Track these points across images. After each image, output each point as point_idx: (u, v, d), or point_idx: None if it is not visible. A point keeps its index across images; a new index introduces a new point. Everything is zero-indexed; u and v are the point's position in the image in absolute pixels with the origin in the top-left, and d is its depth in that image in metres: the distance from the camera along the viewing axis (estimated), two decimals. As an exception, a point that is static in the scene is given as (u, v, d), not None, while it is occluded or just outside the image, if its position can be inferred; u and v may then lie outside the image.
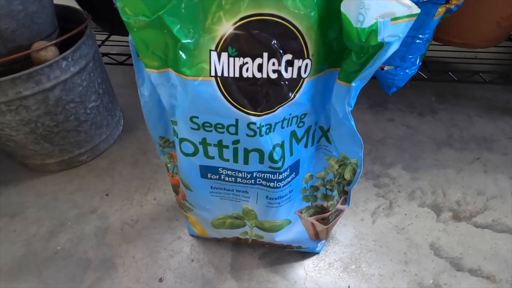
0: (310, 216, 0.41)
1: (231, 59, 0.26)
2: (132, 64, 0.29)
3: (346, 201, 0.41)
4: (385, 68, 0.58)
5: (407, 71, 0.57)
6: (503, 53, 0.76)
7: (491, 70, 0.69)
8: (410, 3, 0.23)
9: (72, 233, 0.50)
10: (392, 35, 0.23)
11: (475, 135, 0.66)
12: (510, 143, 0.64)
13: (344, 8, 0.24)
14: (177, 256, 0.47)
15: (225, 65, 0.26)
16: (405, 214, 0.52)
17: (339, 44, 0.28)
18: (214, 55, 0.26)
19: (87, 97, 0.52)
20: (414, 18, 0.23)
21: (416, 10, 0.23)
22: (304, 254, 0.47)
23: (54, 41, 0.44)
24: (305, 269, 0.45)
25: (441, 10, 0.48)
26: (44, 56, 0.42)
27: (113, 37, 0.77)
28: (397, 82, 0.58)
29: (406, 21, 0.23)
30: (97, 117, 0.56)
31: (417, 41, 0.52)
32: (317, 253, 0.47)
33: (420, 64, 0.58)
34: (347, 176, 0.37)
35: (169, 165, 0.41)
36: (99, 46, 0.69)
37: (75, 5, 0.66)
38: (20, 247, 0.48)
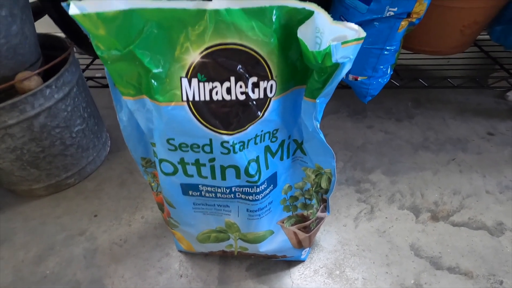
0: (292, 225, 0.43)
1: (201, 84, 0.28)
2: None
3: (326, 209, 0.43)
4: (358, 79, 0.61)
5: (379, 80, 0.60)
6: (471, 58, 0.80)
7: (460, 75, 0.73)
8: (357, 27, 0.26)
9: (61, 256, 0.50)
10: (344, 57, 0.26)
11: (450, 137, 0.69)
12: (483, 143, 0.67)
13: (300, 34, 0.27)
14: (165, 273, 0.47)
15: (195, 90, 0.28)
16: (386, 218, 0.54)
17: (302, 64, 0.30)
18: (184, 81, 0.28)
19: (72, 121, 0.53)
20: (361, 41, 0.26)
21: (363, 33, 0.26)
22: (290, 262, 0.48)
23: (37, 71, 0.45)
24: (291, 277, 0.47)
25: (404, 23, 0.52)
26: (27, 86, 0.44)
27: (97, 61, 0.79)
28: (371, 91, 0.62)
29: (355, 44, 0.26)
30: (83, 140, 0.57)
31: (385, 52, 0.56)
32: (303, 261, 0.48)
33: (392, 72, 0.61)
34: (324, 185, 0.39)
35: (153, 184, 0.42)
36: (84, 70, 0.71)
37: (59, 31, 0.68)
38: (7, 274, 0.48)
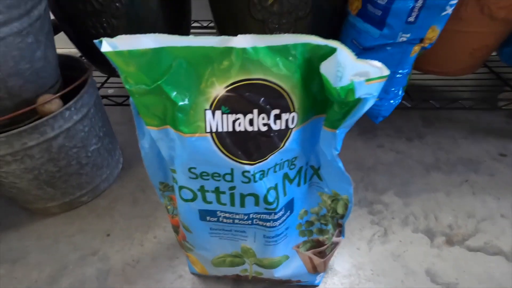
0: (307, 250, 0.43)
1: (224, 116, 0.29)
2: (129, 104, 0.31)
3: (341, 233, 0.43)
4: (370, 100, 0.61)
5: (391, 101, 0.61)
6: (481, 80, 0.81)
7: (470, 97, 0.73)
8: (380, 65, 0.27)
9: (74, 276, 0.50)
10: (367, 93, 0.26)
11: (461, 157, 0.69)
12: (495, 164, 0.67)
13: (323, 69, 0.27)
14: (178, 295, 0.47)
15: (219, 121, 0.29)
16: (400, 241, 0.53)
17: (322, 95, 0.30)
18: (208, 113, 0.28)
19: (88, 141, 0.54)
20: (385, 79, 0.26)
21: (386, 72, 0.26)
22: (304, 287, 0.48)
23: (58, 94, 0.46)
24: (305, 303, 0.46)
25: (416, 48, 0.53)
26: (48, 109, 0.45)
27: (112, 79, 0.80)
28: (382, 112, 0.62)
29: (378, 81, 0.26)
30: (98, 158, 0.58)
31: (398, 75, 0.56)
32: (317, 285, 0.48)
33: (403, 94, 0.62)
34: (340, 210, 0.39)
35: (169, 207, 0.42)
36: (99, 88, 0.72)
37: (74, 48, 0.70)
38: (21, 294, 0.48)
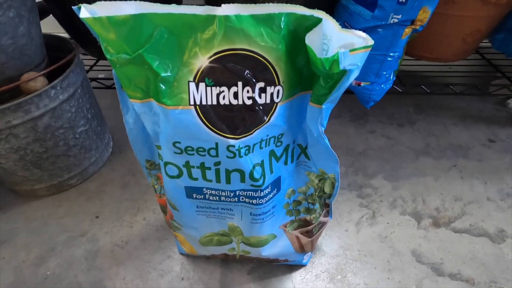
0: (294, 229, 0.43)
1: (208, 88, 0.28)
2: None
3: (328, 214, 0.43)
4: (361, 84, 0.61)
5: (382, 86, 0.61)
6: (473, 66, 0.81)
7: (462, 82, 0.73)
8: (364, 35, 0.26)
9: (62, 257, 0.50)
10: (352, 64, 0.26)
11: (451, 143, 0.70)
12: (484, 150, 0.68)
13: (308, 40, 0.27)
14: (167, 275, 0.47)
15: (203, 94, 0.28)
16: (388, 223, 0.54)
17: (308, 70, 0.30)
18: (192, 85, 0.28)
19: (76, 122, 0.53)
20: (369, 49, 0.26)
21: (370, 41, 0.26)
22: (291, 267, 0.48)
23: (42, 72, 0.45)
24: (292, 281, 0.47)
25: (407, 30, 0.52)
26: (33, 87, 0.44)
27: (101, 62, 0.79)
28: (373, 97, 0.62)
29: (363, 51, 0.26)
30: (86, 141, 0.57)
31: (389, 58, 0.56)
32: (304, 265, 0.48)
33: (394, 79, 0.62)
34: (327, 189, 0.39)
35: (156, 187, 0.42)
36: (87, 71, 0.71)
37: (64, 33, 0.69)
38: (9, 275, 0.48)
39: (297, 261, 0.47)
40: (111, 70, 0.82)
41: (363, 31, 0.27)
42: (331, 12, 0.61)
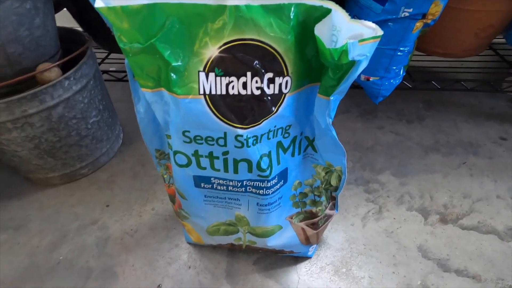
0: (300, 221, 0.43)
1: (218, 78, 0.29)
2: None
3: (334, 207, 0.43)
4: (370, 79, 0.61)
5: (391, 81, 0.60)
6: (486, 62, 0.79)
7: (474, 78, 0.72)
8: (374, 25, 0.26)
9: (74, 244, 0.52)
10: (361, 54, 0.26)
11: (461, 140, 0.69)
12: (495, 147, 0.67)
13: (317, 31, 0.27)
14: (174, 263, 0.48)
15: (212, 84, 0.29)
16: (394, 218, 0.54)
17: (317, 62, 0.30)
18: (202, 75, 0.29)
19: (88, 113, 0.54)
20: (378, 39, 0.26)
21: (380, 32, 0.26)
22: (296, 258, 0.49)
23: (57, 63, 0.47)
24: (297, 273, 0.47)
25: (419, 24, 0.52)
26: (48, 77, 0.45)
27: (112, 55, 0.80)
28: (382, 92, 0.62)
29: (372, 42, 0.26)
30: (98, 131, 0.59)
31: (399, 53, 0.56)
32: (309, 257, 0.49)
33: (404, 74, 0.61)
34: (333, 182, 0.40)
35: (165, 176, 0.43)
36: (99, 64, 0.73)
37: (77, 26, 0.70)
38: (23, 259, 0.50)
39: (303, 253, 0.47)
40: (122, 63, 0.83)
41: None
42: (341, 5, 0.60)
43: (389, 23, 0.52)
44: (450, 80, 0.70)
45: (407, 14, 0.50)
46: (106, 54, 0.80)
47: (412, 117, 0.75)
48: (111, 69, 0.82)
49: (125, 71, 0.75)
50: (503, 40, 0.74)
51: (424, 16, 0.50)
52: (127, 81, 0.73)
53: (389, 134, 0.71)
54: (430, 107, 0.78)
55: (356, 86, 0.70)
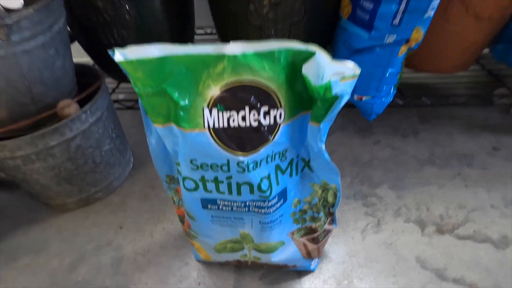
0: (301, 237, 0.46)
1: (220, 113, 0.33)
2: (139, 108, 0.36)
3: (333, 222, 0.46)
4: (363, 99, 0.65)
5: (383, 99, 0.64)
6: (475, 76, 0.83)
7: (465, 93, 0.75)
8: (352, 65, 0.30)
9: (91, 264, 0.55)
10: (343, 90, 0.30)
11: (455, 152, 0.71)
12: (488, 158, 0.69)
13: (305, 70, 0.31)
14: (185, 281, 0.51)
15: (215, 118, 0.33)
16: (392, 230, 0.57)
17: (307, 94, 0.34)
18: (206, 111, 0.33)
19: (102, 142, 0.59)
20: (356, 77, 0.30)
21: (357, 71, 0.30)
22: (300, 273, 0.51)
23: (76, 98, 0.52)
24: (301, 287, 0.50)
25: (403, 48, 0.56)
26: (68, 112, 0.50)
27: (122, 85, 0.86)
28: (375, 110, 0.65)
29: (351, 79, 0.30)
30: (111, 158, 0.63)
31: (387, 75, 0.60)
32: (312, 271, 0.51)
33: (395, 92, 0.65)
34: (330, 199, 0.43)
35: (175, 199, 0.47)
36: (111, 93, 0.78)
37: (88, 58, 0.76)
38: (44, 280, 0.53)
39: (305, 266, 0.50)
40: (130, 92, 0.89)
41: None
42: (331, 33, 0.65)
43: (376, 48, 0.57)
44: (442, 96, 0.74)
45: (391, 40, 0.54)
46: (117, 84, 0.86)
47: (407, 132, 0.78)
48: (120, 96, 0.88)
49: (134, 100, 0.80)
50: (489, 54, 0.78)
51: (407, 41, 0.55)
52: (136, 108, 0.79)
53: (385, 148, 0.74)
54: (425, 121, 0.81)
55: (350, 105, 0.74)
